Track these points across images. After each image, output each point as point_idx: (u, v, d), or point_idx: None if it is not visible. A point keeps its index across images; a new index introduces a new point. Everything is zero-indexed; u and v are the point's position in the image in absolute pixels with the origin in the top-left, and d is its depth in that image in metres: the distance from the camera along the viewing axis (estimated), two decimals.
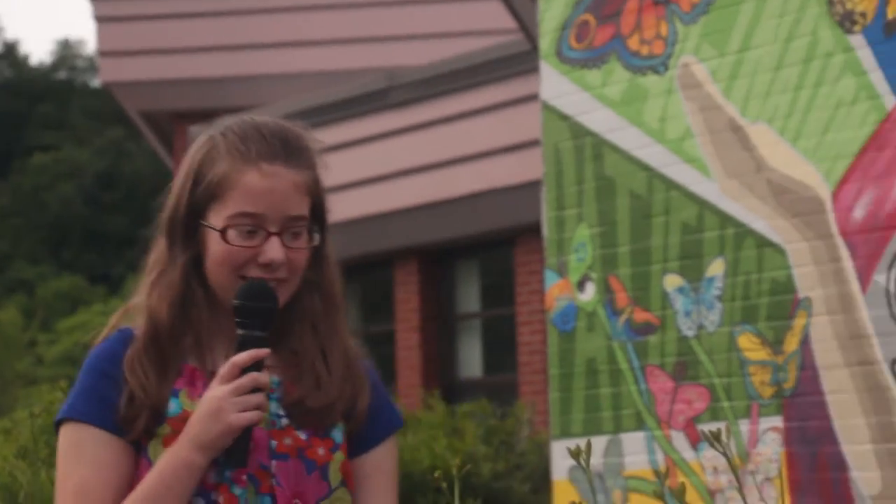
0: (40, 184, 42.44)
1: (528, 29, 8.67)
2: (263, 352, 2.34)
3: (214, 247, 2.37)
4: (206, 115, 14.06)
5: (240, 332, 2.35)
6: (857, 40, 6.14)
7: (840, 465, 6.05)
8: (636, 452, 6.74)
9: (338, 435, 2.43)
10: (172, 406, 2.37)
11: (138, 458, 2.37)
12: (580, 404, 6.97)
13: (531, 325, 11.31)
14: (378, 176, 12.09)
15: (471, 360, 12.36)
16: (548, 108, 7.21)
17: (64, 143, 44.11)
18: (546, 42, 7.24)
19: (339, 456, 2.42)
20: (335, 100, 12.50)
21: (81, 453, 2.35)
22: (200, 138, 2.47)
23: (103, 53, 16.35)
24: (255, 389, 2.32)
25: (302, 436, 2.40)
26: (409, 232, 12.00)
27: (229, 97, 15.52)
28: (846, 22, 6.19)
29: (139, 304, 2.44)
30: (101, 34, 16.31)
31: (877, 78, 6.06)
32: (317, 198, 2.43)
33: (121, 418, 2.35)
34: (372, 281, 12.90)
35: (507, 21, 11.26)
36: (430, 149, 11.80)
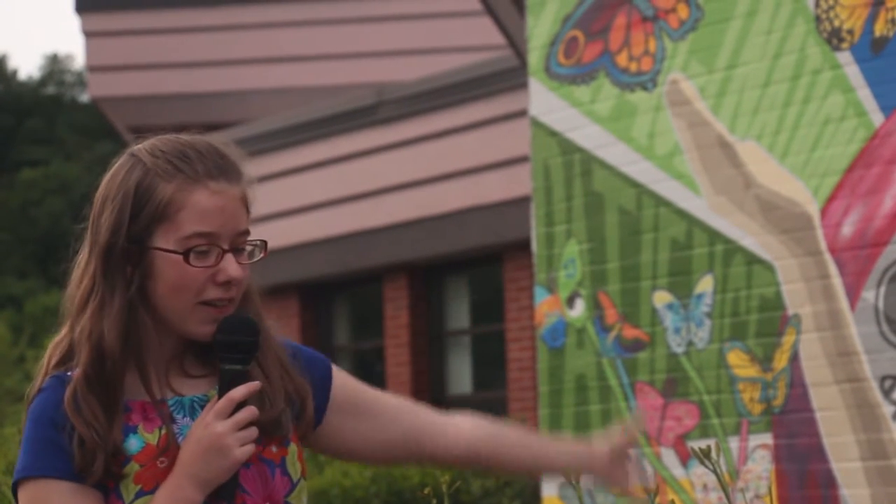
0: (29, 199, 42.36)
1: (516, 45, 8.67)
2: (256, 385, 2.32)
3: (171, 271, 2.32)
4: (195, 130, 13.98)
5: (227, 366, 2.32)
6: (845, 57, 6.15)
7: (829, 482, 6.05)
8: None
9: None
10: (134, 442, 2.30)
11: (107, 500, 2.29)
12: (570, 421, 6.96)
13: (521, 341, 11.29)
14: (367, 192, 12.07)
15: (460, 377, 12.35)
16: (537, 125, 7.22)
17: (52, 159, 44.00)
18: (535, 58, 7.24)
19: (293, 447, 2.40)
20: (324, 115, 12.49)
21: None
22: (123, 160, 2.44)
23: (92, 68, 16.33)
24: (249, 423, 2.30)
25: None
26: (398, 248, 11.99)
27: (218, 112, 15.52)
28: (834, 39, 6.20)
29: (78, 339, 2.35)
30: (89, 49, 16.29)
31: (864, 95, 6.08)
32: (249, 211, 2.42)
33: (76, 465, 2.26)
34: (361, 297, 12.88)
35: (496, 37, 11.26)
36: (418, 164, 11.79)
